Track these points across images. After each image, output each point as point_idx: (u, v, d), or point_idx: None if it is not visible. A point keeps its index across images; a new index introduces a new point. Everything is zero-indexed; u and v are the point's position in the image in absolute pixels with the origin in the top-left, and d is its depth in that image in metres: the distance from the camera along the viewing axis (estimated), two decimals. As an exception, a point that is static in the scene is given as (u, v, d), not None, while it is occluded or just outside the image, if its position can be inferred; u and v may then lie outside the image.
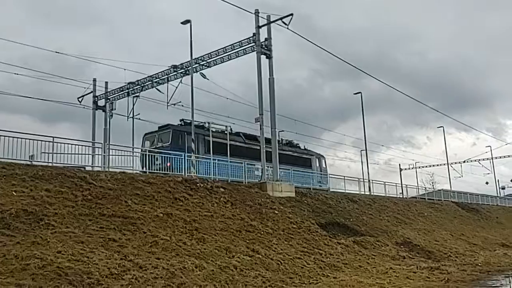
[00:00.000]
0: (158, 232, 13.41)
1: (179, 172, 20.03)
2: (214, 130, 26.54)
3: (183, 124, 26.60)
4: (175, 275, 11.15)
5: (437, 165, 63.91)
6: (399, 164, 68.29)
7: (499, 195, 63.46)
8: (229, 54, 25.93)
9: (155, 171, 20.15)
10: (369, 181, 33.74)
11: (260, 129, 22.86)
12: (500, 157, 65.48)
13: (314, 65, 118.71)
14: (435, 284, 13.57)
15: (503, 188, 71.32)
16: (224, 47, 25.74)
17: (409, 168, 67.87)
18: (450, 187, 52.08)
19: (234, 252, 13.85)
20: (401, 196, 37.76)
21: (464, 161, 66.36)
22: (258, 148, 23.88)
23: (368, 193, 32.72)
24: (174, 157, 20.81)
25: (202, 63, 27.00)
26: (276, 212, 19.29)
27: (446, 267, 17.70)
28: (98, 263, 10.54)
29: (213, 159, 22.53)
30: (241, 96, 28.50)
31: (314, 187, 28.07)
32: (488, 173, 64.47)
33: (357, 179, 31.87)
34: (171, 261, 11.81)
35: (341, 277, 14.08)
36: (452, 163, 66.36)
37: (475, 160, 65.67)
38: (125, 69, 27.61)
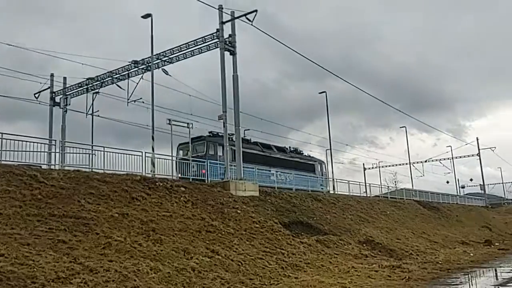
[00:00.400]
0: (112, 233, 12.76)
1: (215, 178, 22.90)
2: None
3: (211, 135, 28.85)
4: (128, 278, 10.58)
5: (400, 164, 65.15)
6: (363, 164, 69.20)
7: (459, 194, 65.21)
8: (192, 50, 25.36)
9: (191, 177, 22.39)
10: (333, 180, 33.81)
11: (224, 126, 22.44)
12: (460, 157, 67.40)
13: (281, 66, 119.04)
14: (396, 283, 13.47)
15: (463, 187, 73.38)
16: (187, 43, 25.14)
17: (372, 168, 68.97)
18: (412, 186, 53.04)
19: (193, 253, 13.36)
20: (365, 195, 38.11)
21: (425, 161, 67.91)
22: (273, 155, 30.38)
23: (332, 191, 32.77)
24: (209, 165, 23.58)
25: (164, 59, 26.30)
26: (239, 211, 18.88)
27: (407, 265, 17.73)
28: (44, 266, 9.88)
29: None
30: (205, 94, 27.82)
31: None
32: (449, 173, 66.25)
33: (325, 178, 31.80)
34: (124, 264, 11.22)
35: (302, 277, 13.81)
36: (414, 163, 67.71)
37: (436, 160, 67.30)
38: (82, 64, 26.57)
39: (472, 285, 13.25)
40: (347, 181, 35.57)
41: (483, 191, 69.66)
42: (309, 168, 34.69)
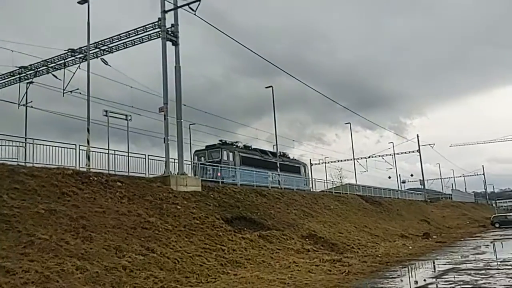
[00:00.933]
0: (36, 231, 11.79)
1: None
2: (245, 148, 34.58)
3: (223, 143, 32.86)
4: (50, 279, 9.76)
5: (345, 160, 66.53)
6: (310, 159, 70.13)
7: (400, 189, 67.44)
8: (133, 40, 24.32)
9: (207, 179, 25.34)
10: (278, 175, 33.70)
11: (164, 119, 21.58)
12: (402, 153, 69.81)
13: (229, 61, 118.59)
14: (335, 277, 13.34)
15: (404, 182, 76.14)
16: (127, 32, 24.07)
17: (319, 163, 70.08)
18: (356, 181, 54.23)
19: (125, 251, 12.62)
20: (310, 190, 38.38)
21: (369, 157, 69.72)
22: (268, 160, 35.40)
23: (278, 187, 32.63)
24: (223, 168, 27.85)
25: (103, 48, 25.04)
26: (179, 207, 18.22)
27: (348, 259, 17.79)
28: (-50, 269, 8.89)
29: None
30: (149, 86, 26.77)
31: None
32: (391, 168, 68.43)
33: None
34: (47, 264, 10.35)
35: (242, 274, 13.41)
36: (358, 159, 69.36)
37: (379, 156, 69.28)
38: (13, 51, 24.78)
39: (409, 277, 13.34)
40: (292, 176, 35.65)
41: (422, 186, 72.44)
42: (296, 170, 39.32)
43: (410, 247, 24.27)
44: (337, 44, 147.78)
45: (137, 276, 11.47)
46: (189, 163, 25.86)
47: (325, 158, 70.43)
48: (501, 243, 26.44)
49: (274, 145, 38.31)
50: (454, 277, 12.48)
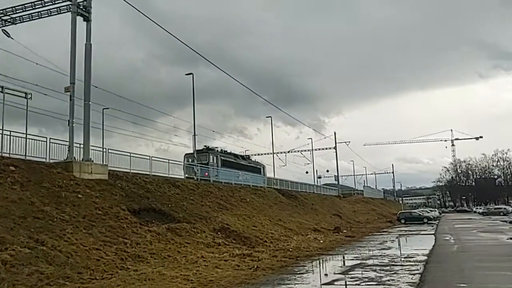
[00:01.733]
0: None
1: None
2: (224, 153, 41.21)
3: (209, 149, 39.42)
4: None
5: (265, 154, 66.95)
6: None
7: (316, 183, 69.18)
8: (39, 11, 22.08)
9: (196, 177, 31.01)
10: (195, 166, 32.72)
11: (70, 100, 19.78)
12: (319, 149, 71.72)
13: (151, 47, 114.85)
14: (243, 273, 12.80)
15: (320, 177, 78.30)
16: (33, 2, 21.79)
17: (239, 156, 69.82)
18: (274, 174, 54.59)
19: (9, 244, 11.18)
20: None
21: (288, 151, 70.95)
22: (240, 162, 43.01)
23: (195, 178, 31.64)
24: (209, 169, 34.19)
25: (4, 18, 22.51)
26: (80, 196, 16.75)
27: (258, 253, 17.38)
28: None
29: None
30: (60, 65, 24.46)
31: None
32: (308, 163, 70.06)
33: (182, 163, 30.52)
34: None
35: (143, 270, 12.43)
36: (277, 153, 70.25)
37: (298, 151, 70.70)
38: None
39: (317, 273, 13.15)
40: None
41: (336, 182, 74.97)
42: (257, 171, 46.58)
43: (321, 241, 24.52)
44: (261, 40, 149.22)
45: (19, 272, 10.15)
46: (99, 149, 23.98)
47: (245, 151, 70.55)
48: (405, 238, 27.61)
49: (192, 135, 37.34)
50: (361, 273, 12.43)
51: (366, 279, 11.28)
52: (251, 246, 19.84)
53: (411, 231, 34.86)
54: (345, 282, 11.23)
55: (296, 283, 11.18)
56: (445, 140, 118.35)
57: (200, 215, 22.53)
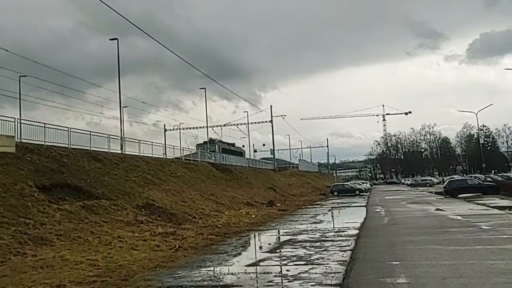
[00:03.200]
0: None
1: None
2: (221, 142, 58.85)
3: (212, 140, 56.88)
4: None
5: (200, 127, 65.33)
6: (164, 125, 67.49)
7: (251, 157, 68.69)
8: None
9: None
10: (121, 138, 30.62)
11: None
12: (255, 123, 70.98)
13: (80, 16, 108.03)
14: (161, 255, 11.52)
15: (255, 151, 77.97)
16: None
17: (173, 129, 67.83)
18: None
19: None
20: (163, 157, 35.86)
21: (224, 125, 69.71)
22: (232, 149, 61.14)
23: (120, 151, 29.59)
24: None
25: None
26: (-25, 171, 14.59)
27: (184, 231, 16.17)
28: None
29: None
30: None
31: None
32: (244, 137, 69.30)
33: (107, 135, 28.23)
34: None
35: (43, 254, 10.80)
36: (213, 126, 68.87)
37: (234, 124, 69.61)
38: None
39: (243, 252, 12.13)
40: (137, 140, 32.89)
41: (272, 156, 74.92)
42: (240, 154, 62.04)
43: (253, 216, 23.69)
44: (194, 11, 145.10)
45: None
46: (10, 119, 21.35)
47: (179, 124, 68.56)
48: (338, 211, 27.46)
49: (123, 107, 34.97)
50: (290, 251, 11.56)
51: (295, 258, 10.37)
52: (178, 223, 18.55)
53: (343, 203, 35.05)
54: (272, 261, 10.27)
55: (218, 265, 10.07)
56: (377, 115, 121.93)
57: (123, 191, 20.87)
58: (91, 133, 26.60)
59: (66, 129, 24.59)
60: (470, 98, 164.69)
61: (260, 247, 12.73)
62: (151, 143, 34.20)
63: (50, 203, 15.28)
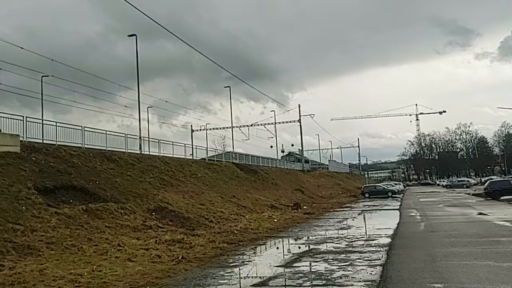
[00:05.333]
0: None
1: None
2: None
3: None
4: None
5: (226, 127, 63.96)
6: (191, 125, 66.57)
7: (279, 158, 66.91)
8: None
9: None
10: (140, 138, 29.43)
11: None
12: (283, 122, 69.16)
13: (106, 19, 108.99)
14: (159, 268, 9.96)
15: (283, 152, 76.06)
16: None
17: (200, 130, 66.82)
18: (233, 148, 52.01)
19: None
20: (190, 158, 34.59)
21: (251, 125, 68.07)
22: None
23: (139, 151, 28.39)
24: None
25: None
26: (-31, 172, 13.43)
27: (194, 237, 14.61)
28: None
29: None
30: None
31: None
32: (272, 137, 67.57)
33: (124, 135, 27.02)
34: None
35: (22, 267, 9.39)
36: (240, 127, 67.45)
37: (261, 124, 67.95)
38: None
39: (252, 265, 10.43)
40: (157, 140, 31.72)
41: (301, 156, 72.89)
42: None
43: (276, 220, 21.98)
44: (220, 14, 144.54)
45: None
46: (18, 118, 20.41)
47: (206, 124, 67.45)
48: (368, 215, 25.40)
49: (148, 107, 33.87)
50: (308, 265, 9.83)
51: (313, 276, 8.62)
52: (191, 228, 17.02)
53: (375, 206, 32.88)
54: (284, 280, 8.53)
55: (220, 283, 8.41)
56: (410, 115, 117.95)
57: (135, 193, 19.51)
58: (107, 132, 25.51)
59: (80, 128, 23.56)
60: (504, 97, 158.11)
61: (275, 259, 10.97)
62: (171, 142, 33.02)
63: (48, 206, 13.98)
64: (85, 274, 9.18)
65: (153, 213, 17.76)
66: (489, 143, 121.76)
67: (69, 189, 16.74)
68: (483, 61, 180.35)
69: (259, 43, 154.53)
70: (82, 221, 13.96)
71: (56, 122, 21.88)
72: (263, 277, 8.86)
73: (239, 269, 9.85)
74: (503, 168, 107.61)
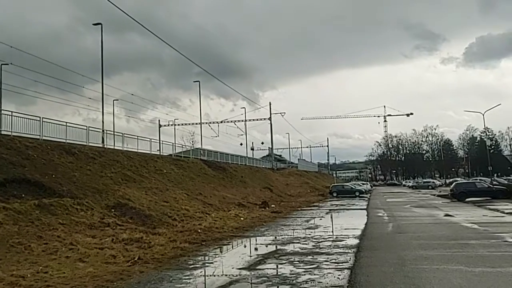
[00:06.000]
0: None
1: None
2: None
3: None
4: None
5: (195, 123, 62.96)
6: (159, 120, 65.27)
7: (249, 156, 66.38)
8: None
9: None
10: (103, 131, 28.27)
11: None
12: (253, 120, 68.72)
13: (75, 11, 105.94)
14: (111, 270, 9.19)
15: (252, 149, 75.56)
16: None
17: (168, 125, 65.65)
18: (201, 145, 51.12)
19: None
20: (156, 153, 33.54)
21: (221, 121, 67.32)
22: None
23: (101, 145, 27.26)
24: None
25: None
26: None
27: (154, 236, 13.86)
28: None
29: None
30: None
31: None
32: (242, 134, 67.05)
33: (86, 127, 25.83)
34: None
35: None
36: (209, 123, 66.58)
37: (231, 121, 67.28)
38: None
39: (214, 267, 9.78)
40: (121, 134, 30.59)
41: (270, 154, 72.59)
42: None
43: (242, 218, 21.38)
44: (190, 7, 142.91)
45: None
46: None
47: (174, 119, 66.33)
48: (336, 214, 25.10)
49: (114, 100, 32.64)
50: (273, 268, 9.27)
51: (277, 280, 8.05)
52: (152, 226, 16.21)
53: (342, 205, 32.72)
54: (247, 284, 7.92)
55: (178, 287, 7.74)
56: (378, 116, 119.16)
57: (95, 188, 18.53)
58: (67, 124, 24.30)
59: (38, 118, 22.32)
60: (469, 101, 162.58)
61: (239, 260, 10.35)
62: (136, 137, 31.99)
63: (-6, 201, 12.95)
64: (29, 275, 8.34)
65: (112, 210, 16.86)
66: (454, 146, 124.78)
67: (22, 182, 15.66)
68: (448, 66, 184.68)
69: (231, 39, 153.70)
70: (33, 217, 12.98)
71: (12, 112, 20.67)
72: (224, 281, 8.23)
73: (199, 271, 9.18)
74: (467, 171, 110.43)
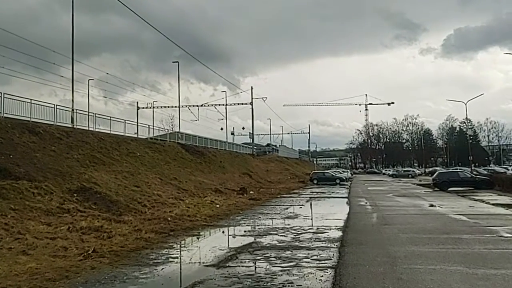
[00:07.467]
0: None
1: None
2: None
3: None
4: None
5: (175, 106, 61.21)
6: (137, 102, 63.39)
7: (230, 141, 65.13)
8: None
9: None
10: (72, 110, 26.56)
11: None
12: (234, 104, 67.28)
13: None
14: (58, 265, 7.87)
15: (233, 134, 74.32)
16: None
17: (147, 107, 63.94)
18: (179, 128, 49.65)
19: None
20: (131, 135, 31.96)
21: (201, 105, 65.75)
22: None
23: (71, 125, 25.58)
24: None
25: None
26: None
27: (118, 224, 12.57)
28: None
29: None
30: None
31: None
32: (222, 119, 65.61)
33: (53, 105, 24.10)
34: None
35: None
36: (189, 106, 65.01)
37: (212, 105, 65.75)
38: None
39: (178, 263, 8.58)
40: (91, 114, 28.99)
41: (251, 140, 71.42)
42: None
43: (218, 205, 20.16)
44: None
45: None
46: None
47: (153, 102, 64.57)
48: (317, 203, 24.09)
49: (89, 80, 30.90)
50: (246, 264, 8.10)
51: (249, 281, 6.86)
52: (118, 213, 14.88)
53: (323, 193, 31.78)
54: (215, 286, 6.71)
55: (130, 290, 6.50)
56: (360, 104, 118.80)
57: (57, 171, 17.07)
58: (32, 101, 22.57)
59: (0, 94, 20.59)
60: (447, 92, 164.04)
61: (208, 255, 9.14)
62: (109, 117, 30.34)
63: None
64: (-48, 274, 6.99)
65: (75, 195, 15.44)
66: (434, 135, 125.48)
67: (-28, 163, 14.16)
68: (427, 57, 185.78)
69: (210, 23, 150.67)
70: (-22, 202, 11.55)
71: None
72: (187, 281, 7.01)
73: (160, 269, 7.93)
74: (446, 160, 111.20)
